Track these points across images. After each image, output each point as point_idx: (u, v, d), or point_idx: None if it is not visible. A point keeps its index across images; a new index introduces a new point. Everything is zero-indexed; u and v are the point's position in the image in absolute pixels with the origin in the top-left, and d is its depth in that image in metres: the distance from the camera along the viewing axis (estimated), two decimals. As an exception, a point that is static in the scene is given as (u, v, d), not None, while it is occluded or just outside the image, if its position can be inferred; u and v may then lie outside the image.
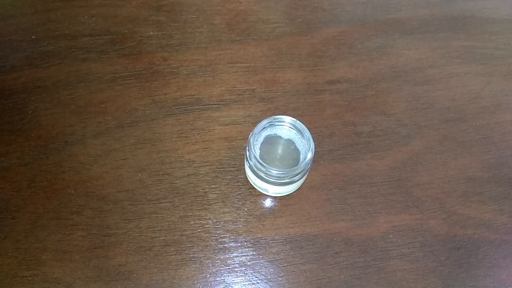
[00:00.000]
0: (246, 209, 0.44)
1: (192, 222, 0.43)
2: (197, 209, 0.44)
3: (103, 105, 0.50)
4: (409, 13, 0.59)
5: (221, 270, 0.41)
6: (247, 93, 0.51)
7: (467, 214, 0.45)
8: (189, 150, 0.47)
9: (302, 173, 0.40)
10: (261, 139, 0.42)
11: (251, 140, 0.40)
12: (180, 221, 0.43)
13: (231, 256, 0.42)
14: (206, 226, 0.43)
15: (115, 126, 0.48)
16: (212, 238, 0.43)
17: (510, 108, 0.52)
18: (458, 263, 0.42)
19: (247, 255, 0.42)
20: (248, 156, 0.40)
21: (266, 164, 0.38)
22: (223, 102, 0.50)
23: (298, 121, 0.41)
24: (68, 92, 0.50)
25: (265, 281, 0.41)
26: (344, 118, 0.50)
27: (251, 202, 0.44)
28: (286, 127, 0.42)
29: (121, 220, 0.43)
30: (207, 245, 0.42)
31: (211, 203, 0.44)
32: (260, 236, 0.43)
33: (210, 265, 0.41)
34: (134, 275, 0.41)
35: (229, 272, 0.41)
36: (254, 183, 0.44)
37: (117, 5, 0.57)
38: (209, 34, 0.55)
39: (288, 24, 0.57)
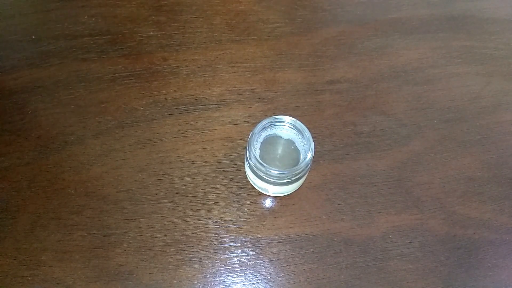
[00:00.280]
0: (246, 209, 0.44)
1: (192, 222, 0.43)
2: (197, 209, 0.44)
3: (103, 105, 0.50)
4: (409, 13, 0.59)
5: (221, 270, 0.41)
6: (247, 93, 0.51)
7: (467, 214, 0.45)
8: (189, 150, 0.47)
9: (302, 173, 0.40)
10: (261, 139, 0.42)
11: (251, 140, 0.40)
12: (180, 221, 0.43)
13: (231, 256, 0.42)
14: (206, 226, 0.43)
15: (115, 126, 0.48)
16: (212, 238, 0.43)
17: (510, 108, 0.52)
18: (458, 263, 0.42)
19: (247, 255, 0.42)
20: (248, 156, 0.40)
21: (266, 164, 0.38)
22: (223, 102, 0.50)
23: (298, 121, 0.41)
24: (68, 92, 0.50)
25: (265, 281, 0.41)
26: (344, 118, 0.50)
27: (251, 202, 0.44)
28: (286, 127, 0.42)
29: (121, 220, 0.43)
30: (207, 245, 0.42)
31: (211, 203, 0.44)
32: (260, 236, 0.43)
33: (210, 265, 0.41)
34: (134, 275, 0.41)
35: (229, 272, 0.41)
36: (254, 183, 0.44)
37: (117, 5, 0.57)
38: (209, 34, 0.55)
39: (288, 24, 0.57)
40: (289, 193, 0.44)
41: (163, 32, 0.55)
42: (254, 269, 0.41)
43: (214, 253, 0.42)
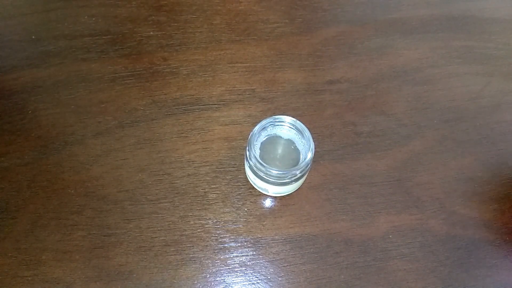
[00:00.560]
0: (246, 209, 0.44)
1: (192, 222, 0.43)
2: (197, 209, 0.44)
3: (103, 105, 0.50)
4: (409, 13, 0.59)
5: (221, 270, 0.41)
6: (247, 93, 0.51)
7: (467, 214, 0.45)
8: (189, 150, 0.47)
9: (302, 173, 0.40)
10: (261, 139, 0.42)
11: (251, 140, 0.40)
12: (180, 221, 0.43)
13: (231, 256, 0.42)
14: (206, 226, 0.43)
15: (115, 126, 0.48)
16: (212, 238, 0.43)
17: (510, 108, 0.52)
18: (458, 263, 0.42)
19: (247, 255, 0.42)
20: (248, 156, 0.40)
21: (266, 164, 0.38)
22: (223, 102, 0.50)
23: (298, 121, 0.41)
24: (68, 92, 0.50)
25: (265, 281, 0.41)
26: (344, 118, 0.50)
27: (251, 202, 0.44)
28: (286, 127, 0.42)
29: (121, 220, 0.43)
30: (207, 245, 0.42)
31: (211, 203, 0.44)
32: (260, 236, 0.43)
33: (210, 265, 0.41)
34: (134, 275, 0.41)
35: (229, 272, 0.41)
36: (254, 183, 0.44)
37: (117, 5, 0.57)
38: (209, 34, 0.55)
39: (288, 24, 0.57)
40: (289, 193, 0.44)
41: (163, 32, 0.55)
42: (254, 269, 0.41)
43: (214, 253, 0.42)
